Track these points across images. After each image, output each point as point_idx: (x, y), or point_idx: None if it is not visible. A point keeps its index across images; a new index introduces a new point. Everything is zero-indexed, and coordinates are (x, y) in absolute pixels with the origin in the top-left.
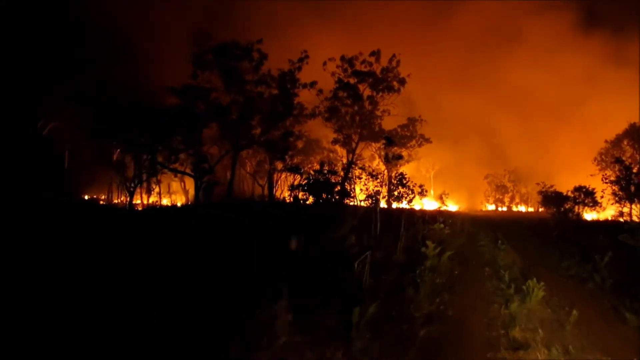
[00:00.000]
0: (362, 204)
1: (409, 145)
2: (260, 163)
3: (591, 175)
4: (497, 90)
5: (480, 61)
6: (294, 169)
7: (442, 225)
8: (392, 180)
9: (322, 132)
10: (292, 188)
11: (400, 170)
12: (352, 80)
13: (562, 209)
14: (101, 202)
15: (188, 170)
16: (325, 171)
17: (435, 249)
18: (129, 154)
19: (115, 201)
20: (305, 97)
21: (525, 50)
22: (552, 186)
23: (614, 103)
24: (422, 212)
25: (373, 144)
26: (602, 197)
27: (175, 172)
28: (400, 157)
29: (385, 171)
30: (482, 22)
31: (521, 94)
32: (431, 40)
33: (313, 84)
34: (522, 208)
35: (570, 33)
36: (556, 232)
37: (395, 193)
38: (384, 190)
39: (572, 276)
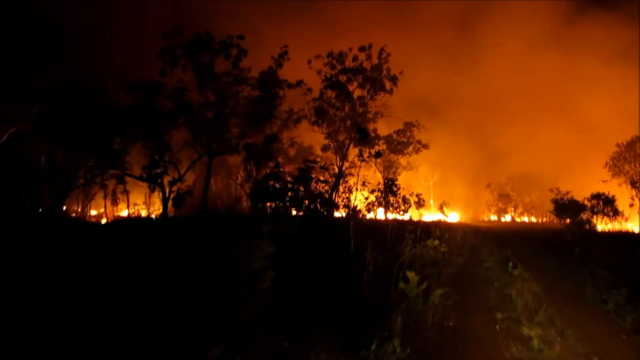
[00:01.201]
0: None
1: (405, 152)
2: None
3: (603, 181)
4: (497, 91)
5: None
6: (272, 176)
7: (436, 242)
8: (380, 187)
9: (316, 138)
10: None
11: (391, 176)
12: (342, 78)
13: (579, 219)
14: (72, 214)
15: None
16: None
17: (420, 285)
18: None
19: (93, 212)
20: (293, 100)
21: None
22: (567, 193)
23: (623, 105)
24: (417, 224)
25: (368, 150)
26: (631, 205)
27: (136, 178)
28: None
29: (381, 180)
30: (484, 20)
31: (525, 95)
32: (424, 39)
33: (299, 83)
34: (526, 218)
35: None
36: (578, 248)
37: (383, 201)
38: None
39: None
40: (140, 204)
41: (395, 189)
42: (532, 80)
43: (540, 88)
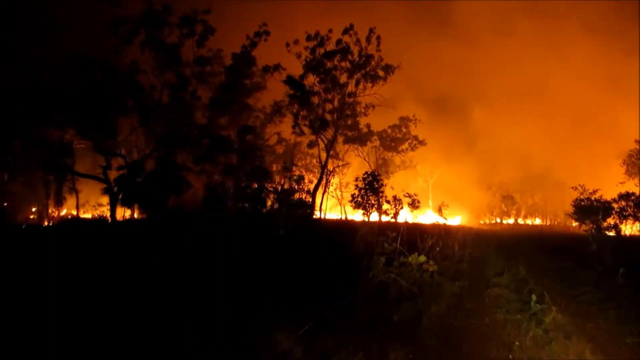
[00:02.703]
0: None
1: (400, 149)
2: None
3: (621, 182)
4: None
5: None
6: (229, 170)
7: (422, 259)
8: (358, 184)
9: (307, 135)
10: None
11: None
12: (328, 65)
13: (606, 223)
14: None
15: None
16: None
17: None
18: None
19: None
20: (276, 91)
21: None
22: (595, 191)
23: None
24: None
25: (360, 147)
26: None
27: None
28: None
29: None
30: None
31: (532, 92)
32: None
33: (276, 67)
34: (529, 221)
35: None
36: (623, 267)
37: (361, 200)
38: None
39: None
40: (94, 204)
41: (377, 185)
42: (541, 76)
43: (556, 86)
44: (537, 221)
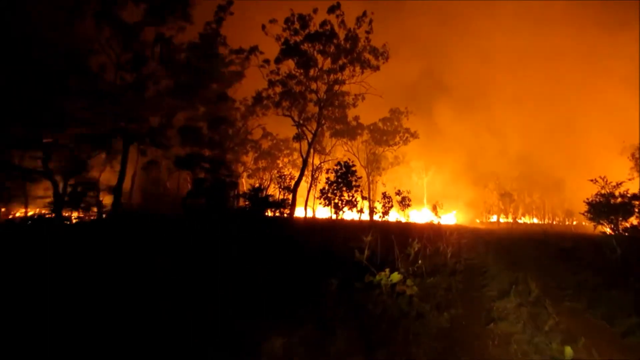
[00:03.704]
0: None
1: (392, 142)
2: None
3: (629, 179)
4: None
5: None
6: (183, 162)
7: (397, 277)
8: (330, 178)
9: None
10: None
11: (346, 160)
12: (310, 50)
13: (627, 223)
14: None
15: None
16: None
17: None
18: None
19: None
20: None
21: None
22: (620, 184)
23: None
24: (393, 228)
25: (349, 142)
26: None
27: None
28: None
29: (364, 175)
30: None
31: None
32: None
33: (253, 49)
34: (527, 220)
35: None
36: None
37: (333, 196)
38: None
39: None
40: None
41: (351, 178)
42: (542, 68)
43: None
44: (534, 220)
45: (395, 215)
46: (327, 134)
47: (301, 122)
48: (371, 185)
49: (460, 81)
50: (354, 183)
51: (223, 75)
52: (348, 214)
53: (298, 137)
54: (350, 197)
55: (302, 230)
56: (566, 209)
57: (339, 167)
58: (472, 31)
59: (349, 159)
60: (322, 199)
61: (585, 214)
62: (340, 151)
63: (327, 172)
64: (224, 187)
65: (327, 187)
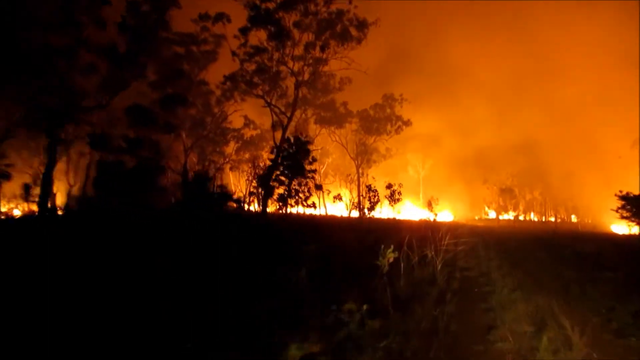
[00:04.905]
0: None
1: (383, 130)
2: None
3: None
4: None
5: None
6: (97, 142)
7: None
8: (269, 158)
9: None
10: None
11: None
12: (285, 20)
13: None
14: None
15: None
16: None
17: None
18: None
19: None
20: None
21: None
22: None
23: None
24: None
25: (337, 130)
26: None
27: None
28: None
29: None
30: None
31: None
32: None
33: (220, 16)
34: (528, 217)
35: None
36: None
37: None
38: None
39: None
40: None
41: (304, 161)
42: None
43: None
44: (533, 217)
45: (388, 212)
46: (312, 120)
47: (278, 107)
48: (361, 179)
49: (464, 72)
50: (308, 167)
51: (193, 54)
52: (332, 208)
53: (274, 126)
54: (302, 187)
55: (258, 234)
56: (570, 205)
57: (286, 145)
58: (471, 11)
59: (294, 137)
60: (258, 189)
61: (619, 210)
62: (329, 141)
63: (271, 153)
64: (145, 173)
65: (265, 172)
